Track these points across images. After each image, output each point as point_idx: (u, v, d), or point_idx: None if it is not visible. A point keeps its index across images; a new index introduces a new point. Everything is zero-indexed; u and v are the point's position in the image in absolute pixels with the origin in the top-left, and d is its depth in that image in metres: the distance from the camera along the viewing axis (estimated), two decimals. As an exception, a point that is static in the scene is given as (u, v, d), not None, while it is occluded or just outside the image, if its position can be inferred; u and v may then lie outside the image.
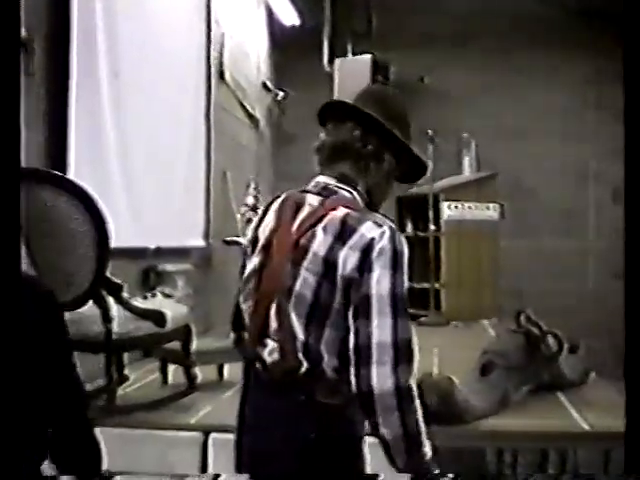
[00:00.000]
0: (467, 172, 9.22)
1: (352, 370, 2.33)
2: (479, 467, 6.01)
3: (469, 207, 7.90)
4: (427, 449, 2.34)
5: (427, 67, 9.79)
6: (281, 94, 9.63)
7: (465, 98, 10.15)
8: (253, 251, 2.59)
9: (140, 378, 4.52)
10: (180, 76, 6.43)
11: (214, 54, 7.38)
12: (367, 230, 2.39)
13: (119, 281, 4.16)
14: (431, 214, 7.76)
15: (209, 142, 7.16)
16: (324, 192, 2.54)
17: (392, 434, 2.30)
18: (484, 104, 10.15)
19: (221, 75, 7.59)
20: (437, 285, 7.71)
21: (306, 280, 2.42)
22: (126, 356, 4.41)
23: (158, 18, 6.02)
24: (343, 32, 9.92)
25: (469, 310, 7.59)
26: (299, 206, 2.53)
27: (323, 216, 2.46)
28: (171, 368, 4.61)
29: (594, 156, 10.27)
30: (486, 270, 7.95)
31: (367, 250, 2.36)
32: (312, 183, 2.59)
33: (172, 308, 4.46)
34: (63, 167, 4.45)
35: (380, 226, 2.40)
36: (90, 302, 3.84)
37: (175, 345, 4.38)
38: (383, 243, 2.37)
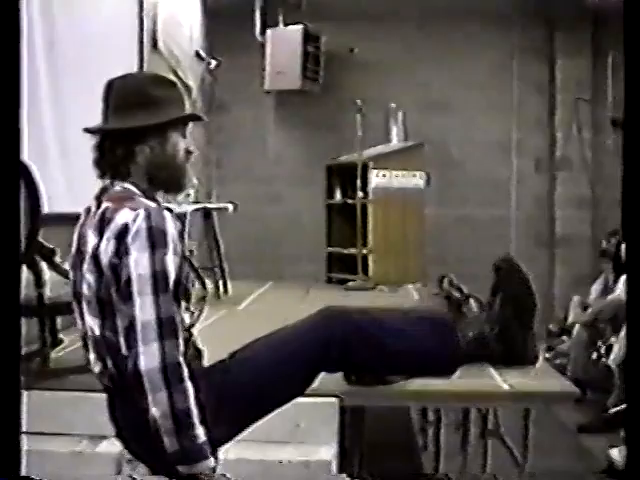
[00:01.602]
0: (394, 141, 9.33)
1: (124, 353, 2.40)
2: (405, 424, 6.20)
3: (396, 175, 8.03)
4: (199, 432, 2.36)
5: (357, 38, 9.86)
6: (214, 63, 9.63)
7: (394, 69, 10.25)
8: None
9: (74, 341, 4.56)
10: (113, 45, 6.42)
11: (147, 23, 7.38)
12: (121, 217, 2.44)
13: (52, 246, 4.19)
14: (359, 182, 7.87)
15: (142, 111, 7.15)
16: (100, 195, 2.62)
17: (160, 412, 2.33)
18: (412, 76, 10.27)
19: (154, 44, 7.59)
20: (364, 251, 7.84)
21: (89, 283, 2.50)
22: (60, 320, 4.44)
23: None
24: (275, 2, 9.92)
25: (395, 275, 7.74)
26: (87, 215, 2.64)
27: (93, 217, 2.56)
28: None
29: (517, 127, 10.45)
30: (412, 236, 8.10)
31: (122, 235, 2.41)
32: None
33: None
34: None
35: (134, 210, 2.45)
36: (23, 267, 3.86)
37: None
38: (137, 225, 2.40)
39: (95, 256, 2.46)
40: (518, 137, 10.50)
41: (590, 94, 10.37)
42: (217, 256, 7.04)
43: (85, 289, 2.51)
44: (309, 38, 9.92)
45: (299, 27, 9.81)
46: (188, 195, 7.04)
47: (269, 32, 9.88)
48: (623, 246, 8.21)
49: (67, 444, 3.48)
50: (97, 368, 2.58)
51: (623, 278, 7.97)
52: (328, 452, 3.39)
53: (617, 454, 5.19)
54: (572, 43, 10.37)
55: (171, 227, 2.46)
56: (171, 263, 2.42)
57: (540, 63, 10.47)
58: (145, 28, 7.28)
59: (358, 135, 7.93)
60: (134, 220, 2.42)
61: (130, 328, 2.37)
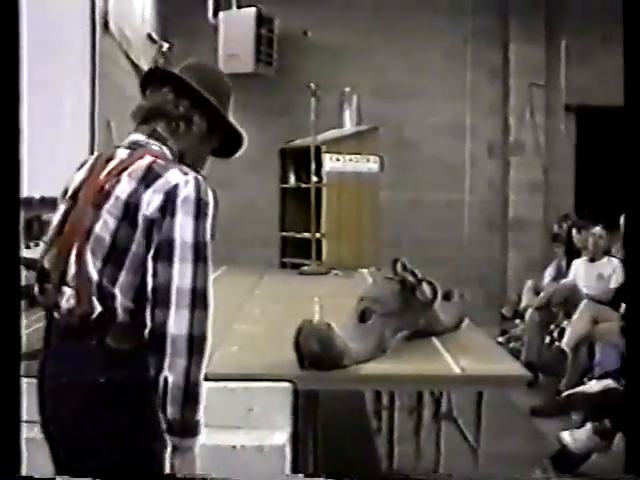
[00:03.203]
0: (348, 125, 9.32)
1: (149, 311, 2.38)
2: (359, 407, 6.22)
3: (350, 159, 8.01)
4: (200, 407, 2.39)
5: (311, 22, 9.84)
6: (166, 45, 9.58)
7: (348, 53, 10.26)
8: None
9: (26, 327, 4.51)
10: (65, 26, 6.36)
11: (99, 4, 7.31)
12: (172, 176, 2.46)
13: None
14: (313, 166, 7.85)
15: (94, 92, 7.11)
16: (134, 146, 2.62)
17: (174, 379, 2.34)
18: (366, 60, 10.30)
19: (105, 25, 7.52)
20: (318, 235, 7.82)
21: (106, 223, 2.46)
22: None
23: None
24: (227, -16, 9.89)
25: (349, 259, 7.72)
26: (109, 159, 2.59)
27: (130, 164, 2.52)
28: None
29: (470, 112, 10.51)
30: (366, 220, 8.09)
31: (171, 194, 2.42)
32: (125, 141, 2.67)
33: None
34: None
35: (186, 174, 2.48)
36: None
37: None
38: (188, 191, 2.43)
39: (128, 203, 2.44)
40: (472, 122, 10.56)
41: (544, 79, 10.45)
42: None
43: (100, 228, 2.47)
44: (262, 21, 9.89)
45: (252, 9, 9.78)
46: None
47: (222, 14, 9.84)
48: (574, 231, 8.30)
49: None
50: (67, 304, 2.49)
51: (575, 262, 8.06)
52: (282, 436, 3.39)
53: (569, 437, 5.24)
54: (526, 28, 10.44)
55: (212, 201, 2.50)
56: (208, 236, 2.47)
57: (494, 48, 10.53)
58: (96, 9, 7.21)
59: (312, 119, 7.91)
60: (186, 184, 2.45)
61: (163, 289, 2.37)
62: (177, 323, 2.35)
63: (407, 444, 4.99)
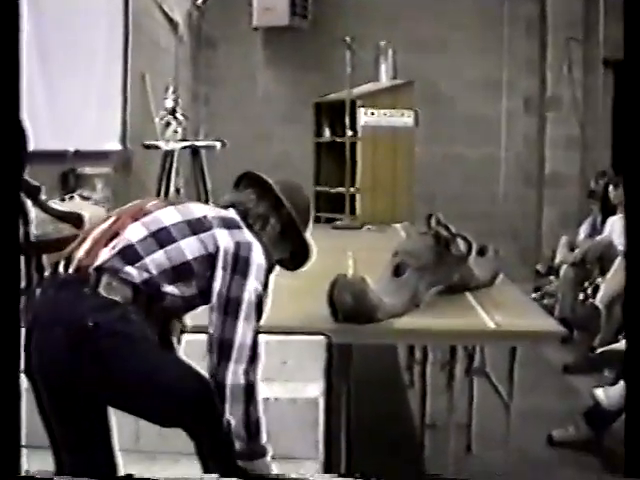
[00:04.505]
0: (384, 79, 9.25)
1: (213, 360, 2.66)
2: (392, 361, 6.24)
3: (385, 113, 7.97)
4: (263, 435, 2.69)
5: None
6: (201, -2, 9.53)
7: (383, 7, 10.16)
8: None
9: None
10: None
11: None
12: (248, 235, 2.79)
13: (37, 183, 4.17)
14: (348, 120, 7.82)
15: (127, 45, 7.09)
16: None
17: (235, 421, 2.64)
18: (402, 14, 10.18)
19: (139, -23, 7.50)
20: (352, 190, 7.81)
21: (170, 212, 2.76)
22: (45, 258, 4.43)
23: None
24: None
25: (383, 214, 7.72)
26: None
27: (212, 208, 2.94)
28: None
29: (507, 67, 10.39)
30: (400, 175, 8.06)
31: (245, 249, 2.73)
32: None
33: (90, 210, 4.50)
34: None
35: (256, 241, 2.79)
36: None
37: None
38: (259, 257, 2.75)
39: (200, 221, 2.74)
40: (508, 76, 10.44)
41: (582, 34, 10.30)
42: (204, 194, 7.02)
43: (161, 213, 2.74)
44: (299, -26, 9.83)
45: (287, -39, 9.71)
46: (176, 132, 7.00)
47: (258, -32, 9.77)
48: (611, 187, 8.21)
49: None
50: (78, 254, 2.66)
51: (611, 219, 7.98)
52: (315, 389, 3.41)
53: (602, 394, 5.21)
54: (564, -19, 10.29)
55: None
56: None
57: (531, 2, 10.39)
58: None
59: (347, 72, 7.86)
60: (258, 249, 2.75)
61: (227, 344, 2.65)
62: (235, 375, 2.63)
63: (439, 399, 4.99)
